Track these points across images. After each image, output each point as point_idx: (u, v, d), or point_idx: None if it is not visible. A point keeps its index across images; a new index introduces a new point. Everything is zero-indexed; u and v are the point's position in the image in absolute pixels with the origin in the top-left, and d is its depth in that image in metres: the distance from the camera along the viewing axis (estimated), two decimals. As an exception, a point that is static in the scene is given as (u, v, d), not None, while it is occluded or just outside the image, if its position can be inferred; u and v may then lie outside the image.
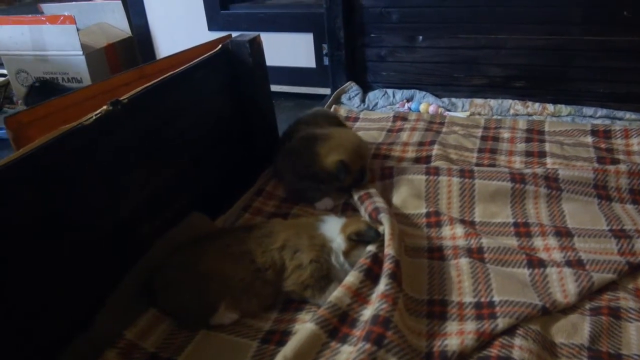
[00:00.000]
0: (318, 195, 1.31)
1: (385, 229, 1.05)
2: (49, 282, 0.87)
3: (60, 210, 0.88)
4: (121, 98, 0.99)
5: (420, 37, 1.93)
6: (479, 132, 1.65)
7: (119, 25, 2.60)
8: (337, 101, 2.01)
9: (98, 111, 0.95)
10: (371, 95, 2.02)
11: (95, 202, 0.96)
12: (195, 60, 1.23)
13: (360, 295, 0.95)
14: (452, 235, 1.15)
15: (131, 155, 1.05)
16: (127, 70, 1.20)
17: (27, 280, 0.83)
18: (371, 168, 1.40)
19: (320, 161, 1.28)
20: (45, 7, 2.56)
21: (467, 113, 1.86)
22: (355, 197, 1.27)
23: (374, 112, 1.91)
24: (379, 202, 1.18)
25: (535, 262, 1.04)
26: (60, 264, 0.89)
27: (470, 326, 0.89)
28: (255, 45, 1.36)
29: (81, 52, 2.28)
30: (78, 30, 2.28)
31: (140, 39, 2.66)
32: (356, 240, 1.02)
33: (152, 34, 2.66)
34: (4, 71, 2.43)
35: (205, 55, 1.27)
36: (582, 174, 1.26)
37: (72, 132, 0.90)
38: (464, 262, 1.05)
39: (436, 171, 1.32)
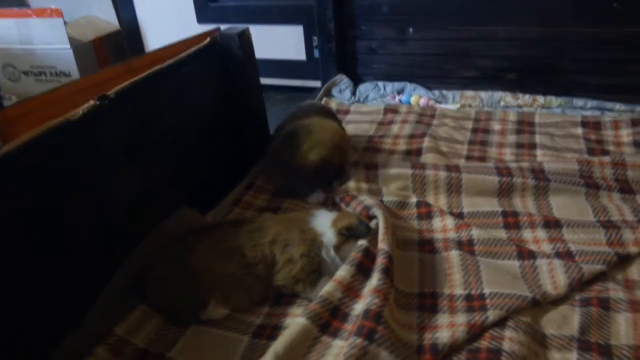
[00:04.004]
0: (305, 191, 1.30)
1: (380, 222, 1.05)
2: (37, 281, 0.86)
3: (47, 207, 0.87)
4: (108, 93, 0.98)
5: (411, 29, 1.93)
6: (470, 125, 1.65)
7: (107, 18, 2.57)
8: (328, 94, 2.00)
9: (85, 106, 0.93)
10: (362, 87, 2.01)
11: (83, 199, 0.95)
12: (183, 54, 1.22)
13: (351, 290, 0.95)
14: (443, 227, 1.15)
15: (119, 151, 1.04)
16: (115, 65, 1.19)
17: (16, 278, 0.82)
18: (357, 161, 1.40)
19: (302, 158, 1.27)
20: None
21: (458, 105, 1.86)
22: (337, 199, 1.25)
23: (365, 105, 1.90)
24: (366, 200, 1.16)
25: (525, 254, 1.04)
26: (48, 261, 0.88)
27: (461, 318, 0.90)
28: (245, 38, 1.35)
29: (69, 46, 2.24)
30: (65, 23, 2.25)
31: (129, 32, 2.63)
32: (347, 235, 1.02)
33: (140, 27, 2.63)
34: (-9, 65, 2.39)
35: (194, 49, 1.26)
36: (567, 166, 1.27)
37: (59, 127, 0.88)
38: (454, 254, 1.05)
39: (422, 166, 1.32)
